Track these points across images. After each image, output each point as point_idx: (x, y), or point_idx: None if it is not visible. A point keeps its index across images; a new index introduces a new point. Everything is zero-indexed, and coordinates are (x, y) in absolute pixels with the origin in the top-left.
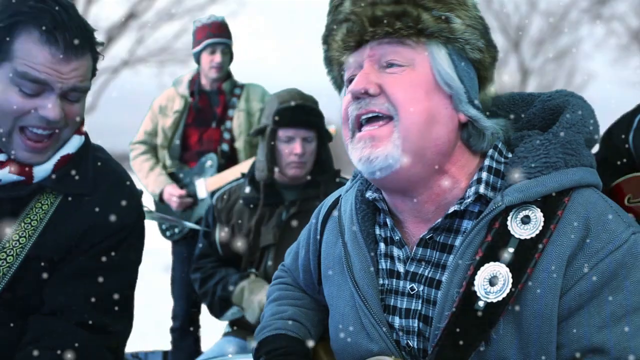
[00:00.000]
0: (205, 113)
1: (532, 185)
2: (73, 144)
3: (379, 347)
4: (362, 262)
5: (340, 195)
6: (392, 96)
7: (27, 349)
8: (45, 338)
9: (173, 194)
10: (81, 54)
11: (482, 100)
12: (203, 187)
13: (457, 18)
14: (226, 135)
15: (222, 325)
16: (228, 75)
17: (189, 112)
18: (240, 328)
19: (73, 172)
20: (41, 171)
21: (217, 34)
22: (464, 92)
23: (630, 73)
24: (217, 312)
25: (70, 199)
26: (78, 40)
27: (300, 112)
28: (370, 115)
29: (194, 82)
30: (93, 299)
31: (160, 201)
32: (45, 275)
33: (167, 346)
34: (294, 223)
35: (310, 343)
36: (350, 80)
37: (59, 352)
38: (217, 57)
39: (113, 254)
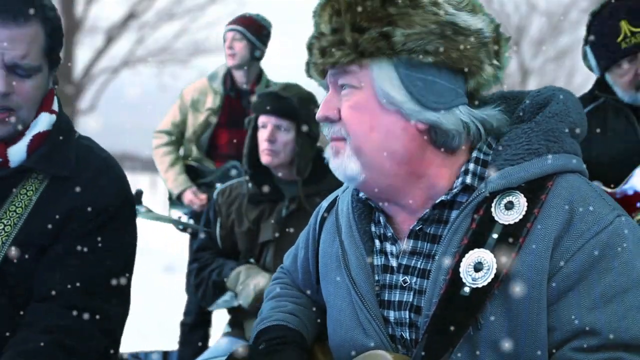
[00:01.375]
0: (237, 114)
1: (514, 172)
2: (43, 122)
3: (374, 341)
4: (359, 259)
5: (337, 196)
6: (344, 120)
7: (21, 333)
8: (38, 322)
9: (194, 201)
10: (23, 22)
11: (474, 90)
12: None
13: (398, 29)
14: None
15: None
16: (260, 74)
17: (222, 110)
18: (241, 327)
19: (54, 153)
20: (16, 153)
21: (233, 23)
22: (415, 104)
23: None
24: (209, 299)
25: (54, 184)
26: (19, 6)
27: (273, 99)
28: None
29: (228, 78)
30: (82, 283)
31: (177, 199)
32: (32, 263)
33: (168, 346)
34: (294, 220)
35: (308, 338)
36: None
37: (52, 335)
38: (227, 43)
39: (99, 237)
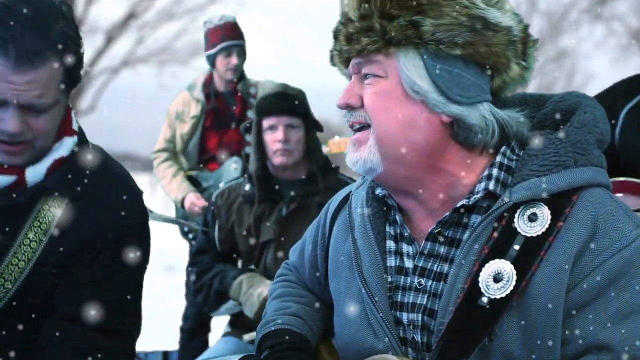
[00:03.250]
0: (223, 115)
1: (540, 183)
2: (65, 147)
3: (383, 343)
4: (372, 258)
5: (350, 192)
6: (367, 106)
7: (48, 350)
8: (65, 341)
9: (196, 204)
10: (39, 64)
11: (499, 87)
12: None
13: (427, 19)
14: (248, 138)
15: None
16: (241, 75)
17: (206, 115)
18: (240, 328)
19: (72, 176)
20: (34, 175)
21: (232, 36)
22: (439, 95)
23: (630, 73)
24: (212, 306)
25: (75, 204)
26: (36, 49)
27: (280, 99)
28: (357, 126)
29: (208, 84)
30: (108, 303)
31: (182, 207)
32: (55, 281)
33: (168, 346)
34: (294, 219)
35: (313, 340)
36: None
37: (78, 354)
38: (234, 60)
39: (122, 256)
